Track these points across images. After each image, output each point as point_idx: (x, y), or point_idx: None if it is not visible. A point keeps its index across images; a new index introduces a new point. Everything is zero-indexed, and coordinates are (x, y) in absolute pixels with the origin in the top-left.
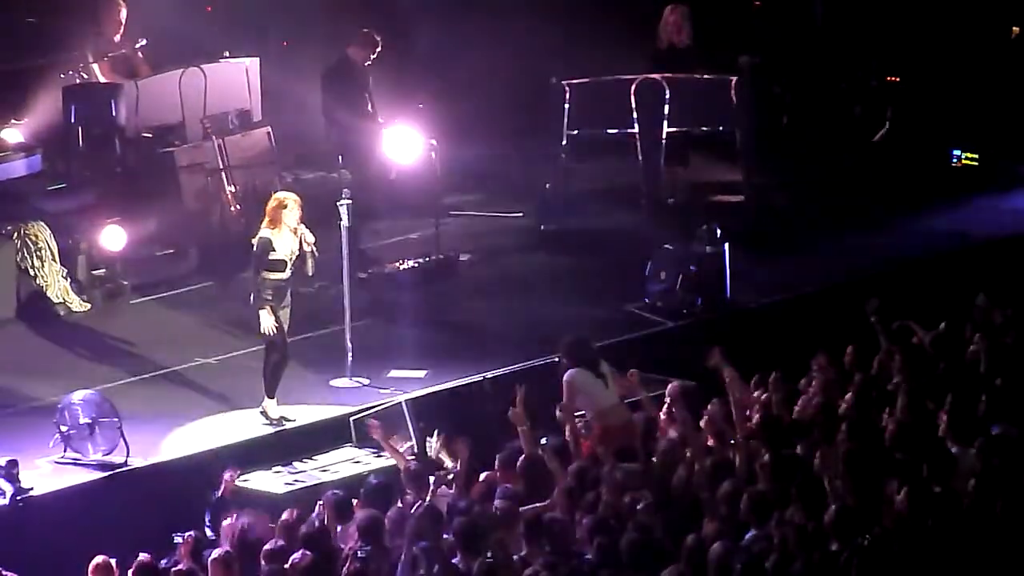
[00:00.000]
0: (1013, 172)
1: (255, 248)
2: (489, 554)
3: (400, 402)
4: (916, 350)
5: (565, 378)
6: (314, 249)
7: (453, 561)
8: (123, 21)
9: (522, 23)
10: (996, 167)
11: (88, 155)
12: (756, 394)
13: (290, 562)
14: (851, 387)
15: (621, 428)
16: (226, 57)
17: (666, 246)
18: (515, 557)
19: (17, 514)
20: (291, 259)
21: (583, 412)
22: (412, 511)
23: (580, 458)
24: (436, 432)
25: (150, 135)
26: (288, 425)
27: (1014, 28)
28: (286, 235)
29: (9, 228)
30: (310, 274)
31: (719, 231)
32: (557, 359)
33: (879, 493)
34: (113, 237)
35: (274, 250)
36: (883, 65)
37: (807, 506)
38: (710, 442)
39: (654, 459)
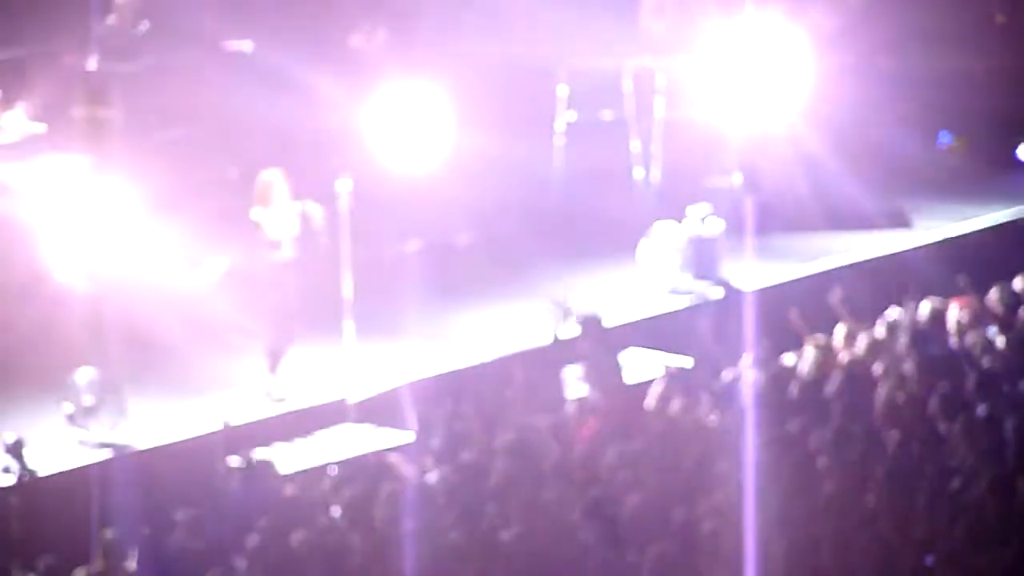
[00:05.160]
0: (1000, 156)
1: (246, 228)
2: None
3: (401, 384)
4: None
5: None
6: (313, 221)
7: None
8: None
9: (521, 8)
10: (983, 151)
11: (88, 142)
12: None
13: None
14: (841, 367)
15: (625, 409)
16: (225, 42)
17: (660, 228)
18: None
19: (23, 492)
20: (289, 238)
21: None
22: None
23: (580, 437)
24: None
25: (151, 122)
26: (291, 405)
27: (998, 16)
28: (279, 214)
29: None
30: (323, 244)
31: (713, 213)
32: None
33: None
34: None
35: (265, 230)
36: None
37: (802, 485)
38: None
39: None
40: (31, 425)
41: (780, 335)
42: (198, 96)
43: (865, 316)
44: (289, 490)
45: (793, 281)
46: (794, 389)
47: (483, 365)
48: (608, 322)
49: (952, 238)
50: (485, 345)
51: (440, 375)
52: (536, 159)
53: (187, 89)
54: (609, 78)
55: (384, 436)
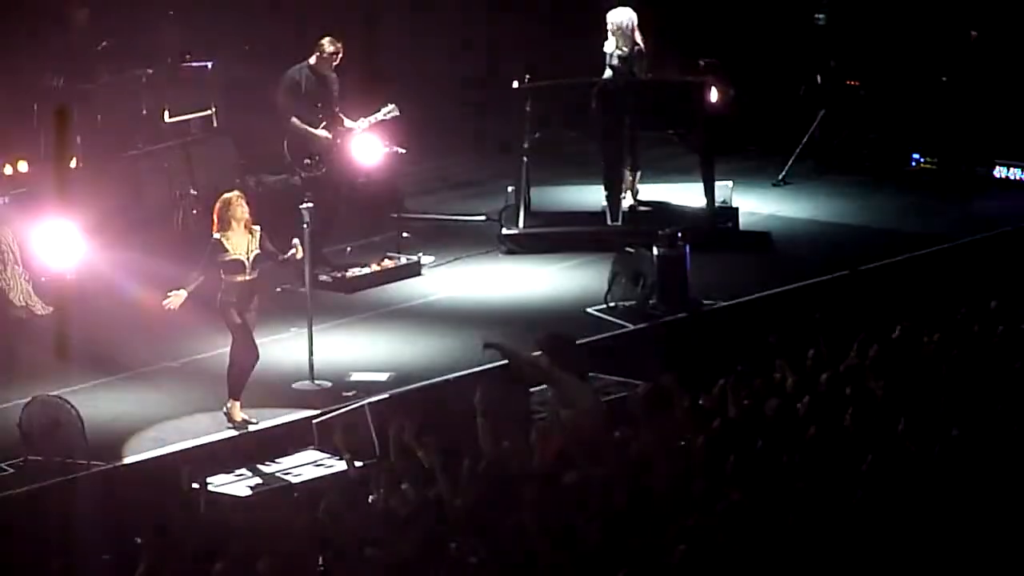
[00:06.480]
0: (972, 175)
1: (206, 250)
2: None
3: (362, 404)
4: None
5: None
6: (296, 255)
7: None
8: (87, 28)
9: (485, 26)
10: (955, 171)
11: (50, 159)
12: (718, 395)
13: None
14: (813, 388)
15: (587, 433)
16: (188, 60)
17: (627, 249)
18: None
19: None
20: (249, 259)
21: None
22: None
23: (544, 458)
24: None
25: (112, 138)
26: (251, 428)
27: (972, 32)
28: (239, 235)
29: None
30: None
31: (680, 234)
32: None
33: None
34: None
35: (226, 251)
36: (843, 69)
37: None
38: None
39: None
40: None
41: (749, 354)
42: (158, 114)
43: (838, 337)
44: (251, 514)
45: (761, 299)
46: (766, 410)
47: (447, 385)
48: (575, 343)
49: (924, 258)
50: (450, 364)
51: (403, 395)
52: (501, 177)
53: (147, 107)
54: (576, 95)
55: (346, 458)
